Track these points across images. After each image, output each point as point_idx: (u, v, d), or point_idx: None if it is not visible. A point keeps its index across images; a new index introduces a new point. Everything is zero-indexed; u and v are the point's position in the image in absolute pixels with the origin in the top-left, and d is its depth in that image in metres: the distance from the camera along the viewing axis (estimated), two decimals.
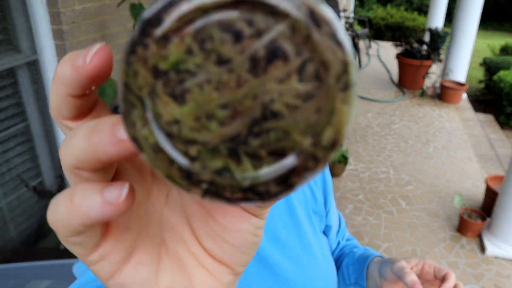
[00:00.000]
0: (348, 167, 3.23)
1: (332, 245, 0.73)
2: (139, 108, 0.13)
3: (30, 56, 1.81)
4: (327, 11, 0.12)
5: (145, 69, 0.12)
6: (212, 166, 0.13)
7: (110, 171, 0.16)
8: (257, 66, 0.12)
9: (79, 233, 0.15)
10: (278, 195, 0.14)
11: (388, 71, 5.80)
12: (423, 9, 11.42)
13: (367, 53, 6.66)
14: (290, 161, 0.13)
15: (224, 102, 0.12)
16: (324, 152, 0.13)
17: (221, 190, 0.14)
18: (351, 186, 2.99)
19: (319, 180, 0.67)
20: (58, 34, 1.82)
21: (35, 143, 1.94)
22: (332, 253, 0.74)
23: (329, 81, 0.12)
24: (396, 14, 9.36)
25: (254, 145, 0.13)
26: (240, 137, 0.13)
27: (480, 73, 6.34)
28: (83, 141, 0.14)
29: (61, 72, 0.15)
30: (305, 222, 0.61)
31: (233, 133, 0.13)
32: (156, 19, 0.12)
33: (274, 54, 0.12)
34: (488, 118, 4.65)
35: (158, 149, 0.13)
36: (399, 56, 4.90)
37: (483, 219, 2.44)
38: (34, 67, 1.85)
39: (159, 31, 0.12)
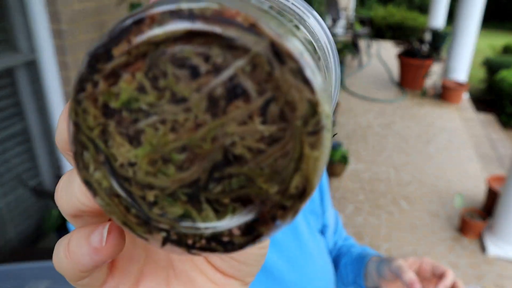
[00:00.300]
0: (349, 167, 3.22)
1: (329, 244, 0.73)
2: (91, 150, 0.12)
3: (28, 55, 1.80)
4: (293, 44, 0.11)
5: (95, 107, 0.11)
6: (171, 213, 0.12)
7: None
8: (215, 105, 0.11)
9: (83, 277, 0.15)
10: (244, 246, 0.12)
11: (388, 70, 5.79)
12: (424, 8, 11.40)
13: (368, 53, 6.66)
14: (255, 209, 0.12)
15: (181, 145, 0.11)
16: (292, 201, 0.12)
17: (182, 239, 0.13)
18: (351, 186, 2.98)
19: None
20: (57, 34, 1.82)
21: (34, 143, 1.93)
22: (330, 252, 0.74)
23: (295, 124, 0.11)
24: (397, 13, 9.35)
25: (216, 191, 0.12)
26: (200, 183, 0.12)
27: (481, 73, 6.33)
28: (79, 193, 0.14)
29: None
30: (301, 222, 0.61)
31: (192, 178, 0.12)
32: (105, 53, 0.11)
33: (233, 92, 0.11)
34: (489, 118, 4.63)
35: (113, 194, 0.12)
36: (400, 56, 4.89)
37: (484, 219, 2.44)
38: (33, 67, 1.85)
39: (108, 66, 0.11)
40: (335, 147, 3.00)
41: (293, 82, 0.11)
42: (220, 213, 0.12)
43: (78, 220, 0.16)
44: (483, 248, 2.35)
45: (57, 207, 1.94)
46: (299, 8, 0.17)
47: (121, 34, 0.11)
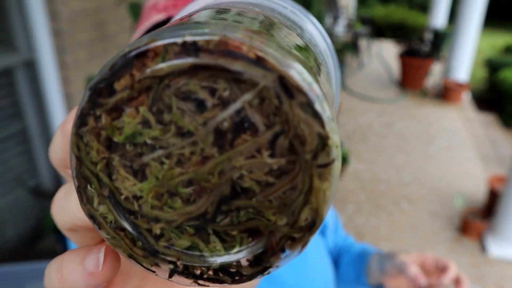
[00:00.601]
0: (349, 167, 3.21)
1: (329, 244, 0.73)
2: (95, 184, 0.12)
3: (27, 55, 1.80)
4: (301, 76, 0.10)
5: (98, 142, 0.11)
6: (178, 245, 0.12)
7: None
8: (222, 139, 0.11)
9: None
10: (252, 277, 0.12)
11: (389, 70, 5.78)
12: (425, 8, 11.38)
13: (368, 53, 6.64)
14: (264, 241, 0.12)
15: (187, 179, 0.11)
16: (302, 233, 0.11)
17: (189, 270, 0.12)
18: (352, 186, 2.97)
19: None
20: (56, 33, 1.81)
21: (33, 144, 1.93)
22: (330, 253, 0.74)
23: (305, 157, 0.11)
24: (397, 12, 9.34)
25: (223, 224, 0.12)
26: (208, 216, 0.12)
27: (482, 73, 6.32)
28: (77, 209, 0.14)
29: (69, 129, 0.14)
30: None
31: (200, 212, 0.12)
32: (106, 87, 0.11)
33: (241, 126, 0.11)
34: (491, 118, 4.62)
35: (118, 228, 0.12)
36: (400, 56, 4.88)
37: (485, 219, 2.43)
38: (32, 67, 1.84)
39: (110, 101, 0.11)
40: None
41: (303, 116, 0.10)
42: (228, 244, 0.12)
43: (74, 234, 0.16)
44: (484, 249, 2.34)
45: None
46: (297, 15, 0.17)
47: (123, 68, 0.10)
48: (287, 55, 0.11)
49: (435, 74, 5.47)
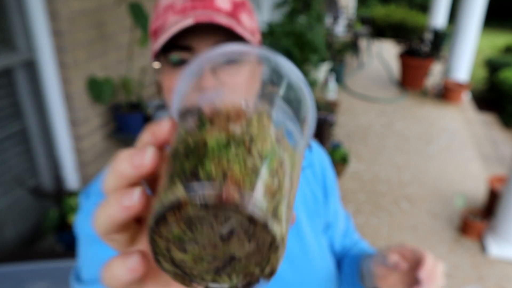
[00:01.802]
0: (349, 167, 3.21)
1: (335, 244, 0.73)
2: (162, 255, 0.23)
3: (27, 55, 1.79)
4: (263, 213, 0.20)
5: (161, 240, 0.22)
6: (206, 279, 0.24)
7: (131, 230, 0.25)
8: (223, 238, 0.22)
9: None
10: None
11: (389, 70, 5.78)
12: (425, 7, 11.36)
13: (368, 53, 6.64)
14: (249, 277, 0.24)
15: (208, 254, 0.23)
16: (267, 275, 0.23)
17: None
18: (352, 186, 2.97)
19: (319, 175, 0.68)
20: (56, 33, 1.81)
21: (32, 144, 1.93)
22: (339, 254, 0.75)
23: (265, 248, 0.22)
24: (398, 12, 9.33)
25: (228, 271, 0.24)
26: (220, 268, 0.23)
27: (483, 72, 6.31)
28: (115, 206, 0.22)
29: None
30: (304, 223, 0.62)
31: (216, 267, 0.23)
32: (163, 217, 0.21)
33: (232, 233, 0.21)
34: (491, 118, 4.62)
35: (175, 274, 0.24)
36: (401, 55, 4.87)
37: (485, 219, 2.43)
38: (32, 67, 1.84)
39: (165, 223, 0.21)
40: (335, 147, 2.99)
41: (263, 234, 0.21)
42: (231, 279, 0.23)
43: (109, 242, 0.24)
44: (485, 248, 2.34)
45: (55, 207, 1.92)
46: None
47: (171, 208, 0.21)
48: (263, 208, 0.21)
49: (435, 74, 5.47)
